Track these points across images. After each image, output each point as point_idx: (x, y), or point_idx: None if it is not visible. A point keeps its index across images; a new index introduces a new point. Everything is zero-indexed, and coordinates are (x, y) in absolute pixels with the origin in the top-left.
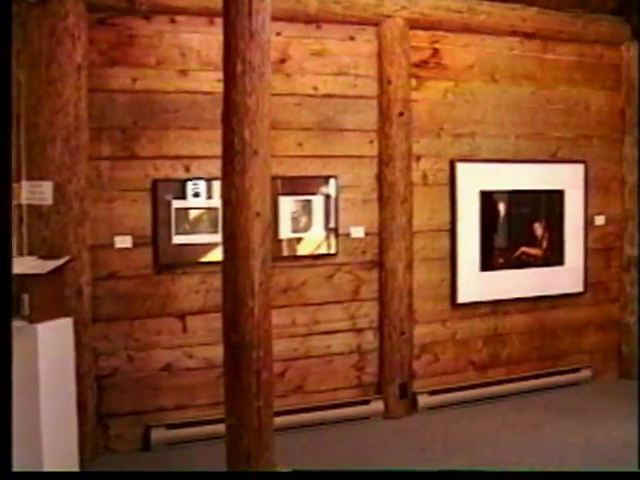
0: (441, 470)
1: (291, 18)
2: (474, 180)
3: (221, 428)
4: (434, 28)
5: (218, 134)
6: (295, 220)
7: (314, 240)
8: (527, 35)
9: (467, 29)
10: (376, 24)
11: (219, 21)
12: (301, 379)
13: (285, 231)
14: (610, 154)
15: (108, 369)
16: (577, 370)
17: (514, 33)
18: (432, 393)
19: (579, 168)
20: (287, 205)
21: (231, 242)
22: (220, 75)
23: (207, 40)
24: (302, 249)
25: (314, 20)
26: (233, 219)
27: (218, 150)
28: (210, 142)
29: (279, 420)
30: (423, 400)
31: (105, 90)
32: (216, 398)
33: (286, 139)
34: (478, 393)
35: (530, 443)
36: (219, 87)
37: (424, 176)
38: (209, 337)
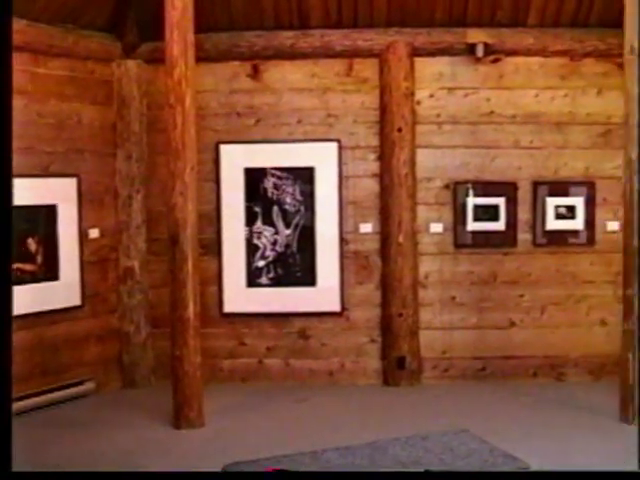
0: (440, 471)
1: None
2: None
3: None
4: None
5: None
6: None
7: None
8: (17, 48)
9: None
10: None
11: None
12: None
13: None
14: (103, 168)
15: None
16: (80, 383)
17: None
18: None
19: (72, 182)
20: None
21: None
22: None
23: None
24: None
25: None
26: None
27: None
28: None
29: None
30: None
31: None
32: None
33: None
34: None
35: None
36: None
37: None
38: None
